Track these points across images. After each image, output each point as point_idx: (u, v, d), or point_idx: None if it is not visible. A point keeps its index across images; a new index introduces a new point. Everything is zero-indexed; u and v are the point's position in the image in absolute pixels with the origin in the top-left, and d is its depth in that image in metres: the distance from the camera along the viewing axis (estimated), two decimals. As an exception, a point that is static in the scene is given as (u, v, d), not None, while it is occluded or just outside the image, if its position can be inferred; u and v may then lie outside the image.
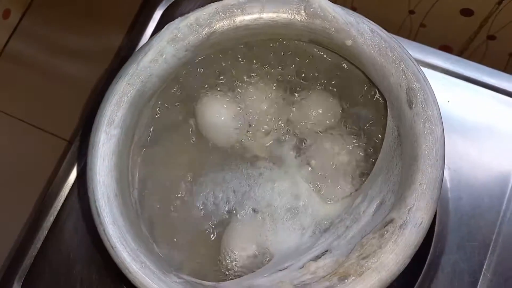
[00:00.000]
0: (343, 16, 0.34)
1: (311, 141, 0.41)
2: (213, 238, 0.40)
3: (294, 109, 0.42)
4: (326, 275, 0.31)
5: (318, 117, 0.41)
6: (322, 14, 0.35)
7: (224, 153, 0.41)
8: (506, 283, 0.44)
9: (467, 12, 0.57)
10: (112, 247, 0.30)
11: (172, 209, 0.40)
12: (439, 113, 0.32)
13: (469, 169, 0.47)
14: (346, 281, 0.30)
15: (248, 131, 0.42)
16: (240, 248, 0.37)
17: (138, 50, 0.34)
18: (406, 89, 0.33)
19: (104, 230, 0.30)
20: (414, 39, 0.68)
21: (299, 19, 0.35)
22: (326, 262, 0.33)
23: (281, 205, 0.39)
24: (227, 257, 0.38)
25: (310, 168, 0.40)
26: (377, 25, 0.34)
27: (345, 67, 0.39)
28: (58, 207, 0.48)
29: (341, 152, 0.40)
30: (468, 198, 0.46)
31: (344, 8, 0.35)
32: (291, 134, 0.42)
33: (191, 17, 0.35)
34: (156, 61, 0.34)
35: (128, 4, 0.87)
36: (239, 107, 0.41)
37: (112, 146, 0.33)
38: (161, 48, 0.34)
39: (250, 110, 0.42)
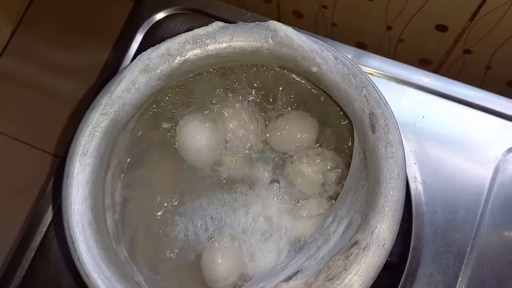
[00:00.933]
0: (308, 44, 0.35)
1: (285, 161, 0.42)
2: (194, 265, 0.41)
3: (269, 130, 0.43)
4: (295, 297, 0.32)
5: (293, 138, 0.42)
6: (288, 43, 0.36)
7: (202, 174, 0.43)
8: (481, 295, 0.45)
9: (442, 28, 0.58)
10: (86, 275, 0.31)
11: (154, 232, 0.41)
12: (400, 138, 0.33)
13: (443, 183, 0.48)
14: (312, 303, 0.31)
15: (224, 152, 0.43)
16: (220, 276, 0.38)
17: (111, 80, 0.36)
18: (369, 114, 0.34)
19: (78, 259, 0.32)
20: (394, 53, 0.69)
21: (266, 47, 0.36)
22: (296, 284, 0.34)
23: (256, 229, 0.40)
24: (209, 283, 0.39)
25: (283, 189, 0.41)
26: (341, 53, 0.35)
27: (316, 91, 0.40)
28: (45, 227, 0.49)
29: (314, 172, 0.41)
30: (443, 212, 0.47)
31: (309, 36, 0.36)
32: (266, 154, 0.43)
33: (162, 48, 0.36)
34: (129, 91, 0.35)
35: (114, 20, 0.89)
36: (216, 129, 0.42)
37: (86, 175, 0.34)
38: (134, 78, 0.35)
39: (227, 132, 0.43)
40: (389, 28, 0.63)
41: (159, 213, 0.41)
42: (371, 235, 0.31)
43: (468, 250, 0.47)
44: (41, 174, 0.81)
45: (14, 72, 0.92)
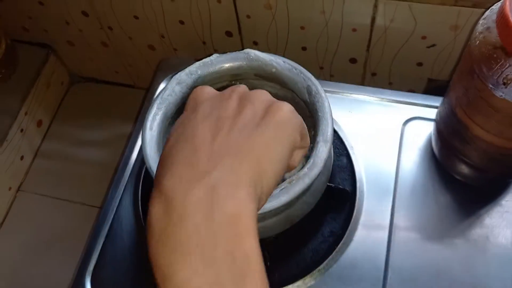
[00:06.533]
0: (267, 57, 0.61)
1: None
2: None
3: None
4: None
5: None
6: (256, 58, 0.62)
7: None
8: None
9: (353, 60, 0.86)
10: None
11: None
12: (325, 95, 0.58)
13: (369, 145, 0.71)
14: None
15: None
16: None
17: (161, 90, 0.60)
18: (306, 87, 0.59)
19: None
20: (329, 87, 0.96)
21: (245, 63, 0.62)
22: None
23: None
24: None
25: None
26: (286, 58, 0.62)
27: (278, 93, 0.65)
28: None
29: None
30: (370, 163, 0.70)
31: (267, 53, 0.62)
32: None
33: (187, 70, 0.61)
34: (171, 95, 0.60)
35: (131, 102, 1.14)
36: None
37: (153, 141, 0.57)
38: (173, 88, 0.60)
39: None
40: (321, 68, 0.90)
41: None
42: (322, 135, 0.55)
43: (393, 183, 0.69)
44: (90, 219, 1.00)
45: (54, 152, 1.14)
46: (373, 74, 0.88)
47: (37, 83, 1.10)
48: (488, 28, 0.50)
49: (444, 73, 0.82)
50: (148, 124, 0.58)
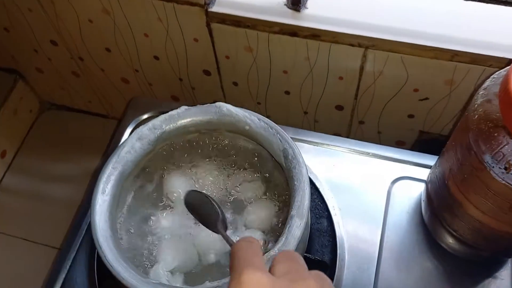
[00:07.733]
0: (240, 113, 0.55)
1: (243, 205, 0.57)
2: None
3: (229, 179, 0.59)
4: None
5: (247, 189, 0.58)
6: (228, 113, 0.55)
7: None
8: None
9: (339, 108, 0.80)
10: (111, 266, 0.46)
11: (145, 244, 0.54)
12: (303, 160, 0.51)
13: (354, 207, 0.65)
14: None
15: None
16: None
17: (118, 146, 0.53)
18: (282, 150, 0.52)
19: (104, 256, 0.46)
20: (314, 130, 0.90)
21: (216, 118, 0.56)
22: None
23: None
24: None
25: (245, 222, 0.55)
26: (262, 116, 0.55)
27: (255, 148, 0.58)
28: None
29: (265, 209, 0.56)
30: (355, 226, 0.63)
31: (241, 108, 0.56)
32: (227, 199, 0.58)
33: (150, 124, 0.54)
34: (129, 152, 0.53)
35: (100, 135, 1.07)
36: (192, 179, 0.59)
37: (105, 206, 0.49)
38: (132, 144, 0.53)
39: (200, 181, 0.59)
40: (305, 112, 0.84)
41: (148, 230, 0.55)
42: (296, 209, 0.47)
43: (377, 250, 0.62)
44: (47, 263, 0.92)
45: (17, 186, 1.06)
46: (361, 122, 0.81)
47: (3, 110, 1.02)
48: (489, 101, 0.43)
49: (437, 127, 0.76)
50: (101, 186, 0.51)
